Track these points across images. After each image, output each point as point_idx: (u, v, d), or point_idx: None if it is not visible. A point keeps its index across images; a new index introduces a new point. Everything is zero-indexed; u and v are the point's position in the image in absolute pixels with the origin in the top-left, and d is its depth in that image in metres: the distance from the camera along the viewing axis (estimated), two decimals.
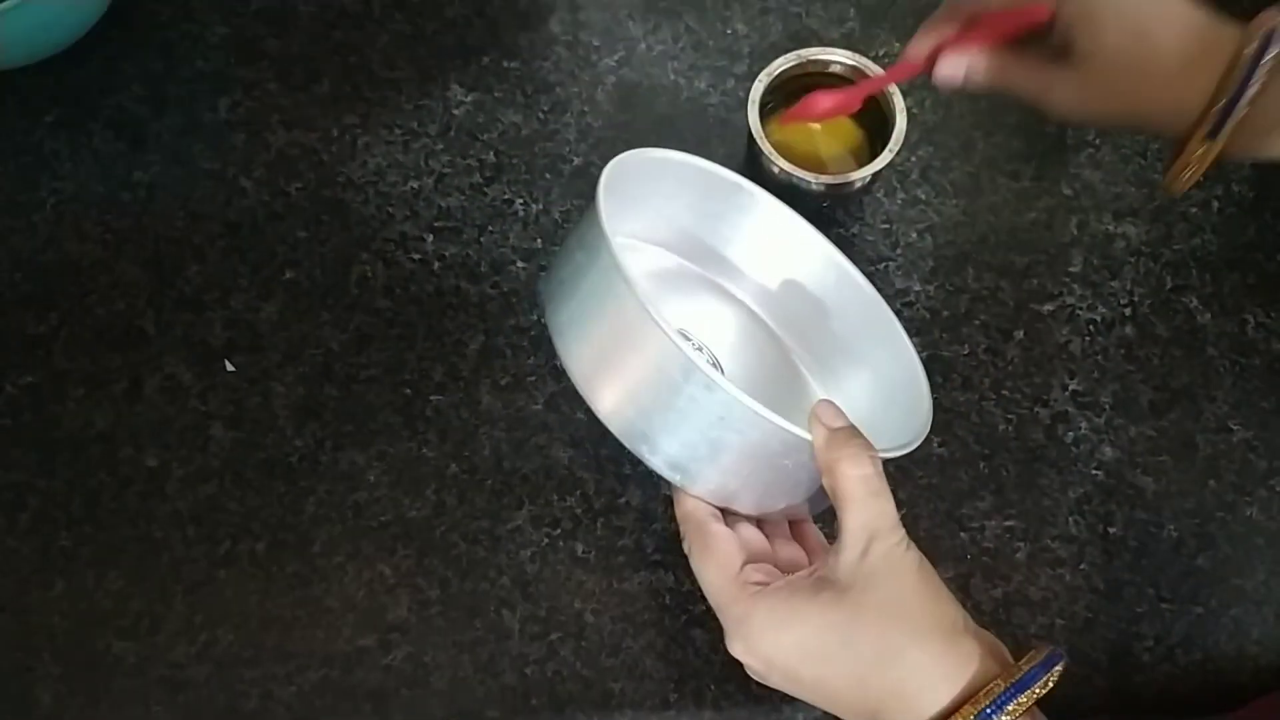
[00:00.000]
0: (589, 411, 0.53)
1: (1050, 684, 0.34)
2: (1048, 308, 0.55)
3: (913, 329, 0.52)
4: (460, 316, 0.55)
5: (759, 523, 0.41)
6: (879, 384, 0.48)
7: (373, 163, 0.58)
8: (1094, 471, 0.53)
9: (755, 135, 0.51)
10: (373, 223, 0.57)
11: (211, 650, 0.49)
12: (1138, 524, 0.52)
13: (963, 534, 0.52)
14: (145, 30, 0.61)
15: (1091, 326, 0.55)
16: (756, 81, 0.53)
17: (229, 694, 0.49)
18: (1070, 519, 0.52)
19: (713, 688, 0.49)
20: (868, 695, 0.35)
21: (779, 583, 0.37)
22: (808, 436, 0.37)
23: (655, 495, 0.52)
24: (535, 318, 0.55)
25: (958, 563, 0.51)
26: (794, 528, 0.43)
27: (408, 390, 0.53)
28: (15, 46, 0.56)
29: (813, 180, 0.51)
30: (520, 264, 0.56)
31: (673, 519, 0.51)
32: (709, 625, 0.50)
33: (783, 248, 0.49)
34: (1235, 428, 0.53)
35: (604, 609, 0.50)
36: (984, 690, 0.33)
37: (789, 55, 0.53)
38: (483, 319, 0.55)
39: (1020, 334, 0.55)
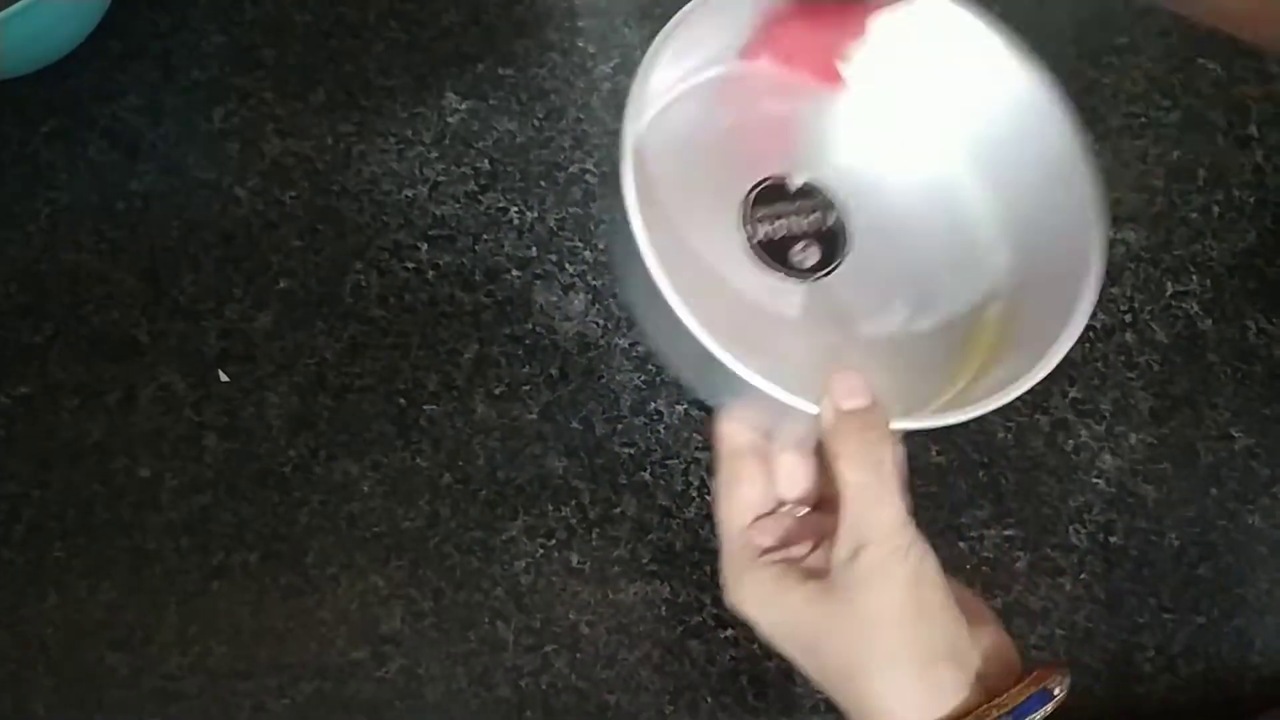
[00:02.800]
0: (584, 420, 0.54)
1: None
2: None
3: None
4: (454, 325, 0.55)
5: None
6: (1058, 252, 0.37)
7: (367, 171, 0.58)
8: (1094, 480, 0.52)
9: None
10: (367, 231, 0.56)
11: (204, 662, 0.49)
12: (1139, 533, 0.51)
13: (962, 543, 0.51)
14: (142, 40, 0.61)
15: (1091, 333, 0.55)
16: None
17: (222, 706, 0.48)
18: (1070, 528, 0.51)
19: (709, 700, 0.49)
20: (837, 697, 0.34)
21: (777, 555, 0.36)
22: (814, 411, 0.33)
23: (651, 505, 0.51)
24: (530, 326, 0.54)
25: (957, 572, 0.50)
26: None
27: (402, 400, 0.53)
28: (11, 56, 0.56)
29: None
30: (515, 272, 0.56)
31: (668, 529, 0.51)
32: (705, 636, 0.49)
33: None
34: (1236, 435, 0.53)
35: (599, 620, 0.50)
36: None
37: None
38: (477, 328, 0.54)
39: None
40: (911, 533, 0.33)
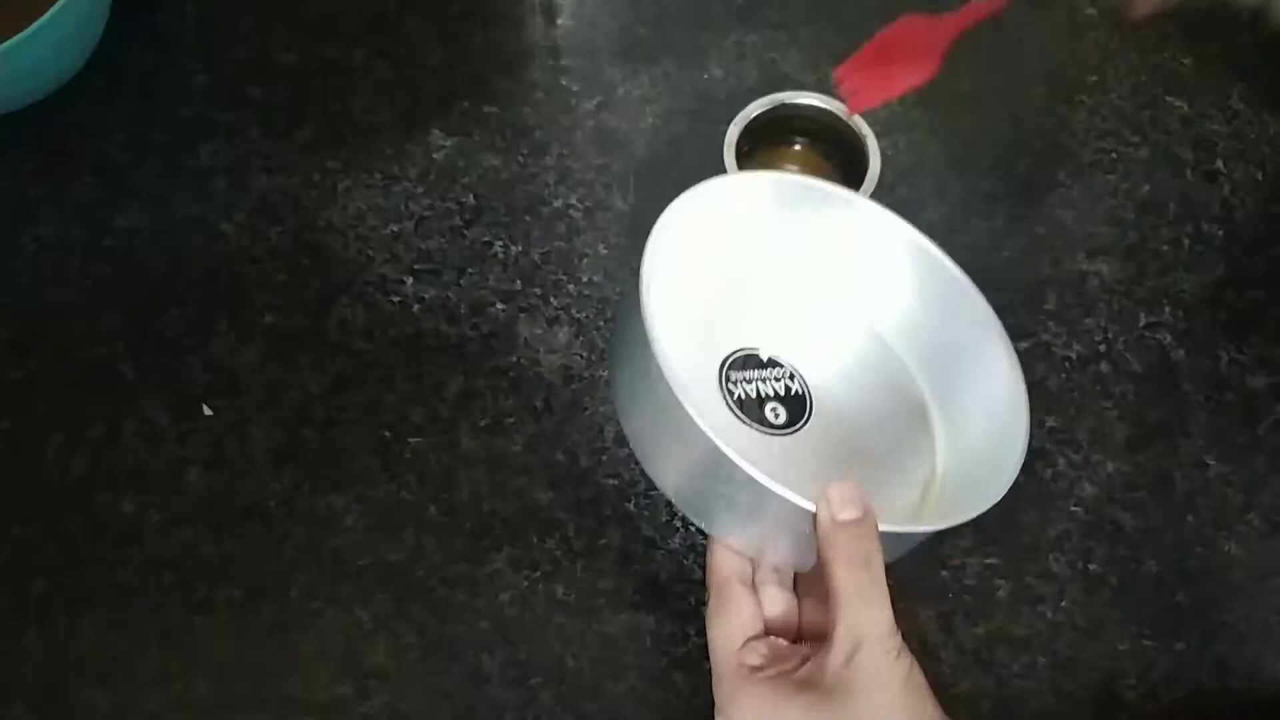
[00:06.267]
0: (568, 452, 0.54)
1: None
2: (1023, 345, 0.56)
3: None
4: (440, 359, 0.55)
5: (796, 577, 0.41)
6: (985, 414, 0.45)
7: (353, 207, 0.58)
8: (1073, 508, 0.53)
9: None
10: (352, 266, 0.57)
11: (187, 699, 0.49)
12: (1118, 560, 0.52)
13: (944, 572, 0.51)
14: (128, 77, 0.62)
15: (1067, 363, 0.56)
16: (732, 125, 0.53)
17: None
18: (1050, 556, 0.52)
19: None
20: None
21: (770, 672, 0.37)
22: (812, 509, 0.37)
23: (635, 536, 0.52)
24: (514, 359, 0.55)
25: (939, 601, 0.51)
26: None
27: (386, 433, 0.53)
28: None
29: None
30: (500, 306, 0.56)
31: (653, 561, 0.51)
32: (690, 668, 0.49)
33: (875, 247, 0.48)
34: (1211, 462, 0.54)
35: (584, 652, 0.50)
36: None
37: (764, 99, 0.54)
38: (462, 361, 0.55)
39: None
40: (900, 638, 0.36)
